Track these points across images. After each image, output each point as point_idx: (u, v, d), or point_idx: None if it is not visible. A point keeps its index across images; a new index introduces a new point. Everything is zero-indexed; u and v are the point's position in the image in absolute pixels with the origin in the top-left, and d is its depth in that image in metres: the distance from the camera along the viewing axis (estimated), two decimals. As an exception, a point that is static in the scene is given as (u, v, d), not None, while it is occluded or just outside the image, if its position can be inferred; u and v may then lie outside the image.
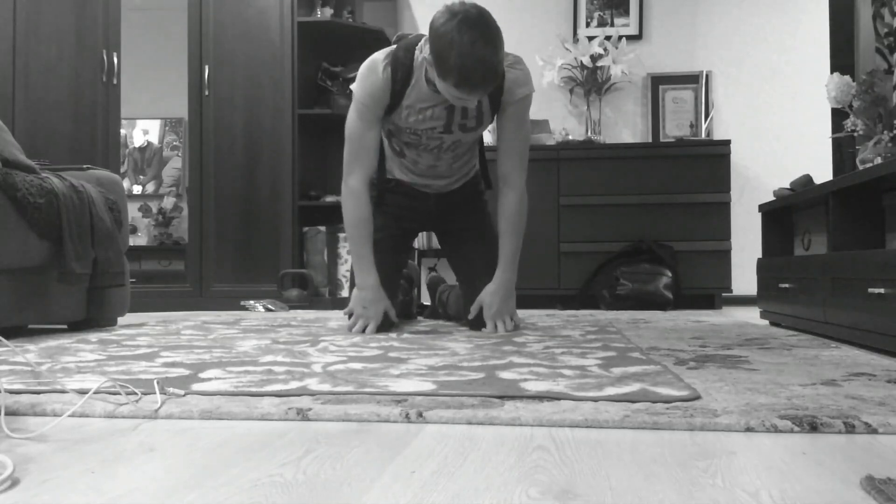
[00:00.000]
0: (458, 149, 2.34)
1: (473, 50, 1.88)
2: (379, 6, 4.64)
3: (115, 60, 3.88)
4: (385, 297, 2.29)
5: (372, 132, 2.23)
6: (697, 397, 1.10)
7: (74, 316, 2.54)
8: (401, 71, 2.14)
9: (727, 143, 3.97)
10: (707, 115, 4.30)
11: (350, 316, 2.35)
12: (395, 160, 2.43)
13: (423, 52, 2.10)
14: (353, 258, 2.32)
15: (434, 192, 2.46)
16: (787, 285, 2.45)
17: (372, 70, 2.17)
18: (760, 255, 2.95)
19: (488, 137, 3.85)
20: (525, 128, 2.29)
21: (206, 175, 4.13)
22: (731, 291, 3.94)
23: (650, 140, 4.33)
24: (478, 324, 2.35)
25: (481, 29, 1.90)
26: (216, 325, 2.68)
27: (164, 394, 1.14)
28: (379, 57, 2.18)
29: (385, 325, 2.31)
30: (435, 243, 4.06)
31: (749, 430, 0.94)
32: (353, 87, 2.23)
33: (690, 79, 4.35)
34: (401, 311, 2.60)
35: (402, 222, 2.48)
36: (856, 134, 2.32)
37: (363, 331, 2.27)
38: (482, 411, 1.01)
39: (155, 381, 1.21)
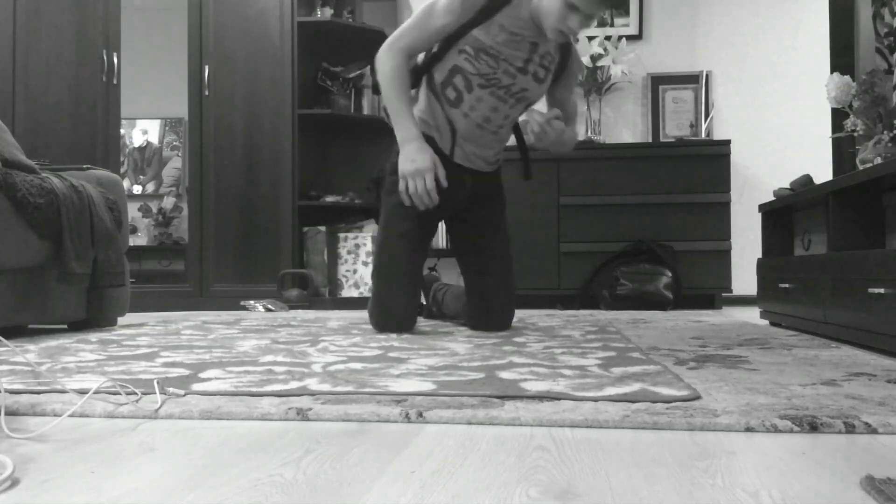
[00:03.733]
0: (520, 104, 2.25)
1: None
2: (379, 6, 4.64)
3: (115, 60, 3.88)
4: (429, 147, 2.14)
5: (449, 20, 2.10)
6: (697, 397, 1.10)
7: (74, 316, 2.54)
8: None
9: (727, 143, 3.97)
10: (707, 115, 4.30)
11: (406, 189, 2.14)
12: (441, 112, 2.24)
13: None
14: (390, 114, 2.16)
15: (471, 175, 2.31)
16: (787, 285, 2.45)
17: None
18: (760, 255, 2.96)
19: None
20: (575, 95, 2.47)
21: (206, 175, 4.13)
22: (731, 291, 3.95)
23: (650, 140, 4.33)
24: (478, 324, 2.34)
25: None
26: (216, 325, 2.68)
27: (164, 394, 1.14)
28: None
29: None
30: (435, 243, 4.06)
31: (749, 430, 0.94)
32: None
33: (690, 79, 4.35)
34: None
35: (430, 213, 2.25)
36: (856, 134, 2.32)
37: (423, 188, 2.09)
38: (482, 411, 1.01)
39: (155, 381, 1.21)
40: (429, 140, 2.24)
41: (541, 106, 2.46)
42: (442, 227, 4.04)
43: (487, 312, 2.34)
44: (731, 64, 4.37)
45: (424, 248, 2.34)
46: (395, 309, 2.23)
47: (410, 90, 2.20)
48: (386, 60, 2.15)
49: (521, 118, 2.27)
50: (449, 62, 2.18)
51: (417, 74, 2.26)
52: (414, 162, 2.09)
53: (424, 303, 3.04)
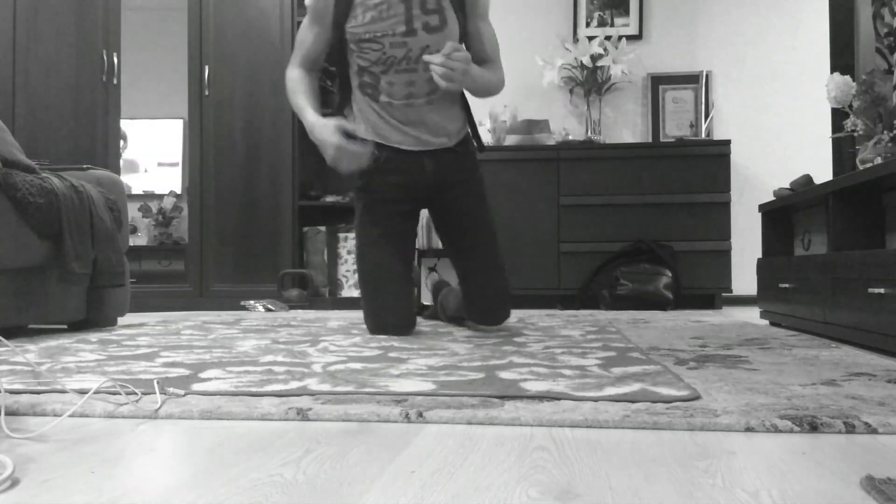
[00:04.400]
0: (430, 65, 2.08)
1: None
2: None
3: (115, 60, 3.88)
4: (327, 122, 2.11)
5: (316, 29, 2.21)
6: (697, 397, 1.10)
7: (74, 316, 2.54)
8: None
9: (727, 143, 3.97)
10: (707, 115, 4.30)
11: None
12: (372, 112, 2.24)
13: None
14: (296, 112, 2.26)
15: (428, 155, 2.26)
16: (787, 285, 2.45)
17: None
18: (760, 255, 2.95)
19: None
20: (490, 25, 2.31)
21: (205, 175, 4.13)
22: (731, 291, 3.95)
23: (650, 140, 4.33)
24: (474, 315, 2.33)
25: None
26: (216, 325, 2.68)
27: (164, 394, 1.14)
28: None
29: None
30: (435, 243, 4.05)
31: (749, 430, 0.94)
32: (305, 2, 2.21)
33: (690, 79, 4.35)
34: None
35: (400, 205, 2.28)
36: (856, 134, 2.32)
37: (333, 159, 2.09)
38: (482, 411, 1.01)
39: (155, 381, 1.21)
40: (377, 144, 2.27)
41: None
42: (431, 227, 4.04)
43: (479, 301, 2.31)
44: (731, 64, 4.37)
45: (404, 249, 2.32)
46: (388, 316, 2.21)
47: (313, 90, 2.28)
48: (286, 76, 2.31)
49: (425, 58, 2.11)
50: (353, 66, 2.23)
51: (343, 93, 2.33)
52: (319, 142, 2.10)
53: (429, 304, 3.04)
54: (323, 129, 2.09)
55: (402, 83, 2.18)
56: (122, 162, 5.79)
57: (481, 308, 2.34)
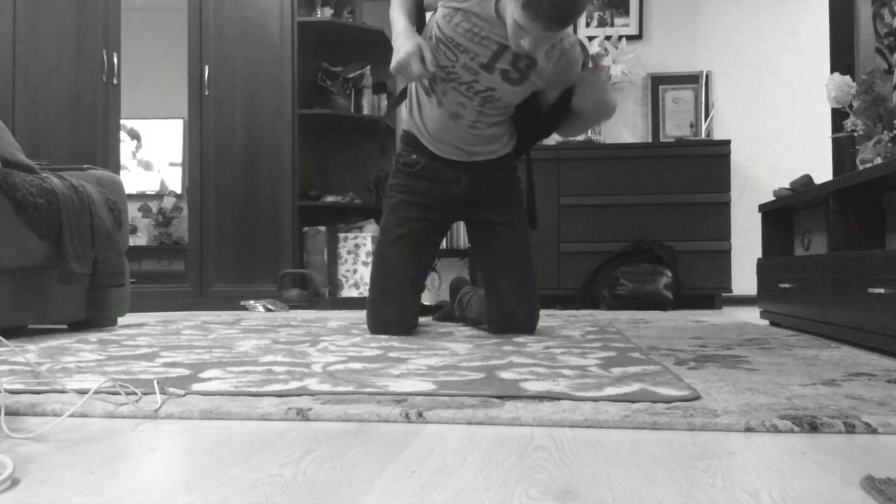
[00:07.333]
0: (489, 104, 2.12)
1: None
2: (379, 6, 4.63)
3: (115, 60, 3.88)
4: (416, 34, 2.05)
5: None
6: (697, 397, 1.10)
7: (74, 316, 2.54)
8: None
9: (727, 143, 3.97)
10: (707, 115, 4.30)
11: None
12: (421, 103, 2.22)
13: None
14: (392, 21, 2.12)
15: (463, 167, 2.24)
16: (787, 285, 2.45)
17: None
18: (760, 255, 2.96)
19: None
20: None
21: (206, 175, 4.13)
22: (731, 291, 3.95)
23: (650, 140, 4.33)
24: (498, 328, 2.24)
25: None
26: (216, 325, 2.68)
27: (164, 394, 1.14)
28: None
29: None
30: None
31: (749, 430, 0.94)
32: None
33: (690, 79, 4.35)
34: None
35: (429, 213, 2.27)
36: (856, 134, 2.32)
37: (409, 73, 2.01)
38: (482, 411, 1.01)
39: (155, 381, 1.21)
40: (412, 138, 2.26)
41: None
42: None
43: (506, 317, 2.23)
44: (731, 64, 4.37)
45: (422, 256, 2.29)
46: (388, 316, 2.21)
47: (410, 9, 2.12)
48: None
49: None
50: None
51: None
52: (397, 46, 2.02)
53: (428, 304, 3.02)
54: (408, 35, 2.02)
55: (455, 102, 2.15)
56: (136, 162, 5.82)
57: (505, 327, 2.24)
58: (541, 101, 2.25)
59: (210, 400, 1.10)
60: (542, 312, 3.51)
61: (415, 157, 2.26)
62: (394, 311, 2.21)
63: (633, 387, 1.18)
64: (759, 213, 2.95)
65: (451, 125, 2.19)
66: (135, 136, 5.82)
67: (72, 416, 1.04)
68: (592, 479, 0.73)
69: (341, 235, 4.17)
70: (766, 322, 2.81)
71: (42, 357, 1.66)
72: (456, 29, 2.03)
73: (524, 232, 2.30)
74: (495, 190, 2.30)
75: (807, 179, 2.60)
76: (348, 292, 4.16)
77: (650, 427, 0.96)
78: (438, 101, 2.17)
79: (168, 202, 5.63)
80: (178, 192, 5.73)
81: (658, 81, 4.37)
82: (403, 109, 2.35)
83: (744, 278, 4.05)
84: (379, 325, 2.22)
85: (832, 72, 2.77)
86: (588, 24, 4.44)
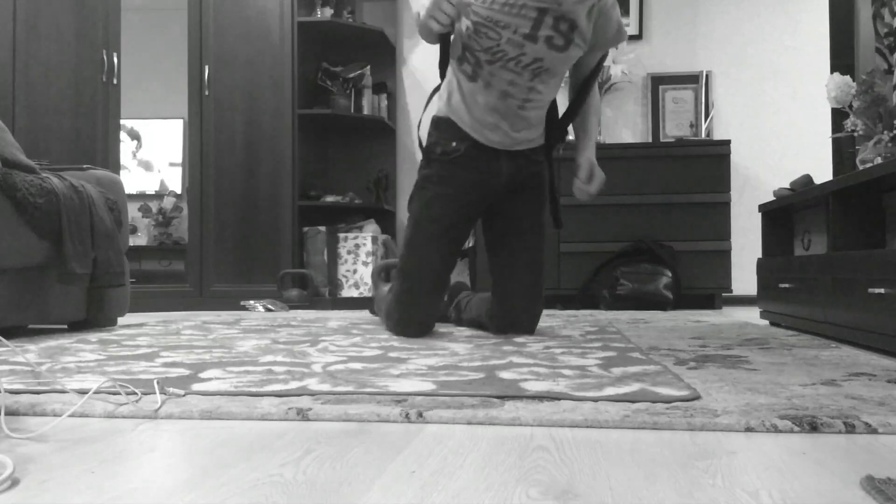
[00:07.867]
0: (538, 79, 2.11)
1: None
2: (379, 6, 4.64)
3: (115, 60, 3.88)
4: None
5: None
6: (697, 397, 1.10)
7: (74, 316, 2.54)
8: None
9: (727, 143, 3.97)
10: (707, 115, 4.30)
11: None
12: (462, 90, 2.19)
13: None
14: None
15: (506, 156, 2.21)
16: (787, 285, 2.45)
17: None
18: (760, 255, 2.96)
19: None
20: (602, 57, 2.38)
21: (206, 175, 4.13)
22: (731, 291, 3.95)
23: (650, 140, 4.33)
24: (499, 325, 2.24)
25: None
26: (216, 325, 2.68)
27: (164, 394, 1.14)
28: None
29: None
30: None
31: (749, 430, 0.94)
32: None
33: (690, 79, 4.35)
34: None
35: (465, 208, 2.22)
36: (856, 134, 2.32)
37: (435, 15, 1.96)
38: (482, 411, 1.01)
39: (155, 381, 1.21)
40: (450, 124, 2.21)
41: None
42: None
43: (509, 317, 2.23)
44: (731, 64, 4.37)
45: (455, 252, 2.24)
46: (418, 315, 2.17)
47: None
48: None
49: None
50: (458, 44, 2.14)
51: (442, 65, 2.21)
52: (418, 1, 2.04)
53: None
54: None
55: (504, 80, 2.11)
56: (136, 162, 5.81)
57: (507, 324, 2.24)
58: (579, 74, 2.38)
59: (210, 400, 1.11)
60: (543, 312, 3.51)
61: (454, 143, 2.21)
62: (423, 311, 2.18)
63: (633, 387, 1.18)
64: (759, 213, 2.95)
65: (499, 106, 2.15)
66: (135, 136, 5.82)
67: (72, 416, 1.04)
68: (592, 479, 0.73)
69: (341, 235, 4.17)
70: (766, 322, 2.81)
71: (42, 357, 1.66)
72: (492, 6, 2.03)
73: (542, 235, 2.30)
74: (529, 185, 2.29)
75: (807, 179, 2.60)
76: (348, 292, 4.16)
77: (650, 427, 0.96)
78: (486, 83, 2.14)
79: (168, 202, 5.63)
80: (178, 192, 5.73)
81: (658, 81, 4.37)
82: (435, 99, 2.31)
83: (744, 278, 4.05)
84: (403, 322, 2.17)
85: (832, 72, 2.77)
86: (588, 24, 4.44)
